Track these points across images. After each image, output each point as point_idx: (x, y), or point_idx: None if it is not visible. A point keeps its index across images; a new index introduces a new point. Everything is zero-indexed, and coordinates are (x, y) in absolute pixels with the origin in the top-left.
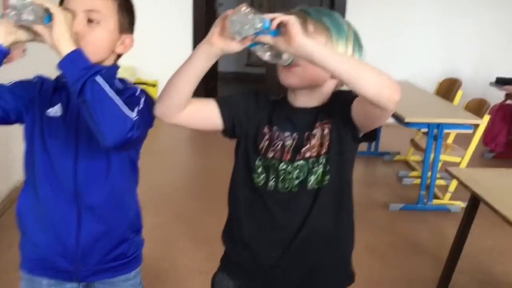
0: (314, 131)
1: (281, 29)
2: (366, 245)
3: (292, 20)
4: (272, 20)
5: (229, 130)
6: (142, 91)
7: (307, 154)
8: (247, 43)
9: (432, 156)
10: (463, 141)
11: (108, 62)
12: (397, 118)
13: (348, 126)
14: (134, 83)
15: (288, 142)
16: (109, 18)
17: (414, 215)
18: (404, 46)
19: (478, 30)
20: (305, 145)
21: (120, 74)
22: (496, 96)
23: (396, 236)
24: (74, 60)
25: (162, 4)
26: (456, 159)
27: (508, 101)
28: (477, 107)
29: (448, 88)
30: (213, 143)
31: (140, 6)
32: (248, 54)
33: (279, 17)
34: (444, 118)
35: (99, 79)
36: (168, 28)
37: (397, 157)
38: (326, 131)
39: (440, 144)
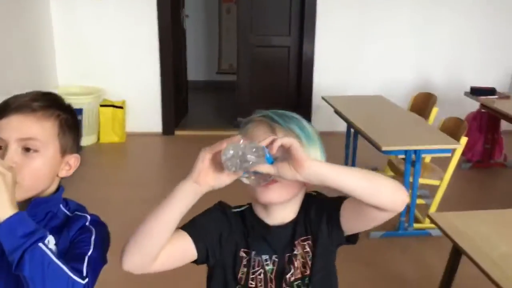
0: (295, 251)
1: (276, 155)
2: (349, 283)
3: (295, 144)
4: (268, 146)
5: (201, 261)
6: (93, 220)
7: (292, 279)
8: (240, 174)
9: (410, 180)
10: (441, 158)
11: (52, 188)
12: (374, 145)
13: (333, 235)
14: (101, 105)
15: (269, 267)
16: (49, 144)
17: (396, 242)
18: (375, 54)
19: (452, 38)
20: (289, 270)
21: (87, 95)
22: (471, 103)
23: (379, 268)
24: (11, 226)
25: (127, 23)
26: (435, 182)
27: (483, 110)
28: (453, 127)
29: (422, 104)
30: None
31: (105, 26)
32: (218, 61)
33: (277, 141)
34: (421, 145)
35: (39, 248)
36: (134, 47)
37: None
38: (306, 248)
39: (419, 170)
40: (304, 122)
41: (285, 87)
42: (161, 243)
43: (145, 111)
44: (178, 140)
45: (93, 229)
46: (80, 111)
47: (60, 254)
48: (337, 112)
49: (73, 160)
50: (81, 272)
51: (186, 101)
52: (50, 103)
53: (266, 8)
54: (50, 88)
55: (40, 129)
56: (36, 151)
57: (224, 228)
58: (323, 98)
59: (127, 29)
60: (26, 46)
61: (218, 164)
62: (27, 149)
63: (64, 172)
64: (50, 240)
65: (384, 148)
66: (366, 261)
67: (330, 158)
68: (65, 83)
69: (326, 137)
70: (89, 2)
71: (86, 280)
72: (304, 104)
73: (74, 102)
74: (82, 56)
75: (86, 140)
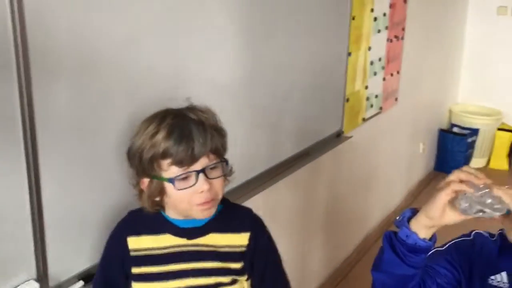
0: None
1: None
2: None
3: None
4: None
5: None
6: None
7: None
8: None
9: None
10: None
11: None
12: None
13: None
14: (499, 129)
15: None
16: None
17: None
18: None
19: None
20: None
21: (484, 116)
22: None
23: None
24: None
25: None
26: None
27: None
28: None
29: None
30: None
31: None
32: None
33: None
34: None
35: None
36: None
37: None
38: None
39: None
40: None
41: None
42: None
43: None
44: None
45: None
46: (476, 131)
47: None
48: None
49: None
50: None
51: None
52: None
53: None
54: (449, 104)
55: None
56: None
57: None
58: None
59: None
60: (438, 61)
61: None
62: None
63: None
64: None
65: None
66: None
67: None
68: (465, 101)
69: None
70: (506, 20)
71: None
72: None
73: (470, 121)
74: (487, 76)
75: (476, 162)
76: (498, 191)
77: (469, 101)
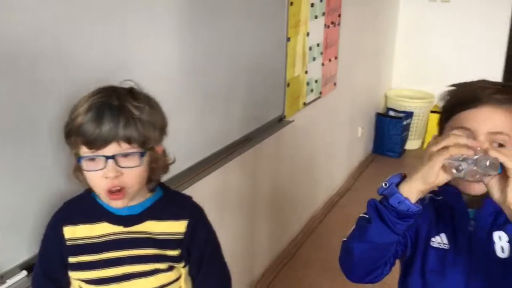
0: None
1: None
2: None
3: None
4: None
5: None
6: None
7: None
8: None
9: None
10: None
11: None
12: None
13: None
14: (432, 111)
15: None
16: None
17: None
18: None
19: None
20: None
21: (418, 100)
22: None
23: None
24: None
25: (475, 27)
26: None
27: None
28: None
29: None
30: None
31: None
32: None
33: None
34: None
35: None
36: (474, 53)
37: None
38: None
39: None
40: None
41: None
42: None
43: None
44: None
45: None
46: (410, 114)
47: None
48: None
49: None
50: None
51: None
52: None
53: None
54: (385, 89)
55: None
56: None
57: None
58: None
59: (473, 34)
60: (373, 47)
61: None
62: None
63: None
64: None
65: None
66: None
67: None
68: (399, 86)
69: None
70: (437, 6)
71: None
72: None
73: (405, 105)
74: (419, 60)
75: (411, 144)
76: (493, 152)
77: (403, 86)
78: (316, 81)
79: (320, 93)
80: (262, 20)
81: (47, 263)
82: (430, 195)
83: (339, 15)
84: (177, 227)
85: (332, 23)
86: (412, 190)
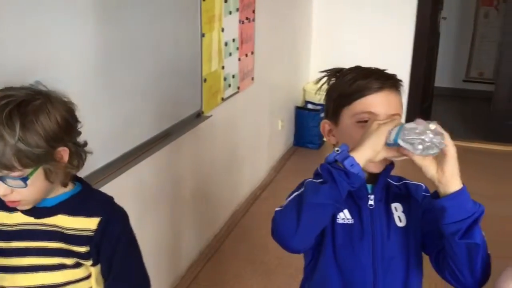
0: None
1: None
2: None
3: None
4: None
5: None
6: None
7: None
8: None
9: None
10: None
11: None
12: None
13: None
14: None
15: None
16: None
17: None
18: None
19: None
20: None
21: None
22: None
23: None
24: (462, 198)
25: (384, 25)
26: None
27: None
28: None
29: None
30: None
31: (360, 29)
32: (467, 68)
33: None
34: None
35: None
36: (386, 50)
37: None
38: None
39: None
40: None
41: None
42: None
43: None
44: None
45: None
46: None
47: None
48: None
49: None
50: None
51: (429, 109)
52: None
53: None
54: (302, 83)
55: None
56: None
57: None
58: None
59: (382, 31)
60: (289, 43)
61: None
62: None
63: None
64: None
65: None
66: None
67: None
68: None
69: None
70: (349, 4)
71: None
72: None
73: (322, 98)
74: (335, 54)
75: None
76: (441, 129)
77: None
78: (233, 76)
79: (238, 88)
80: (175, 16)
81: None
82: None
83: (253, 11)
84: (88, 223)
85: (247, 18)
86: (362, 158)
